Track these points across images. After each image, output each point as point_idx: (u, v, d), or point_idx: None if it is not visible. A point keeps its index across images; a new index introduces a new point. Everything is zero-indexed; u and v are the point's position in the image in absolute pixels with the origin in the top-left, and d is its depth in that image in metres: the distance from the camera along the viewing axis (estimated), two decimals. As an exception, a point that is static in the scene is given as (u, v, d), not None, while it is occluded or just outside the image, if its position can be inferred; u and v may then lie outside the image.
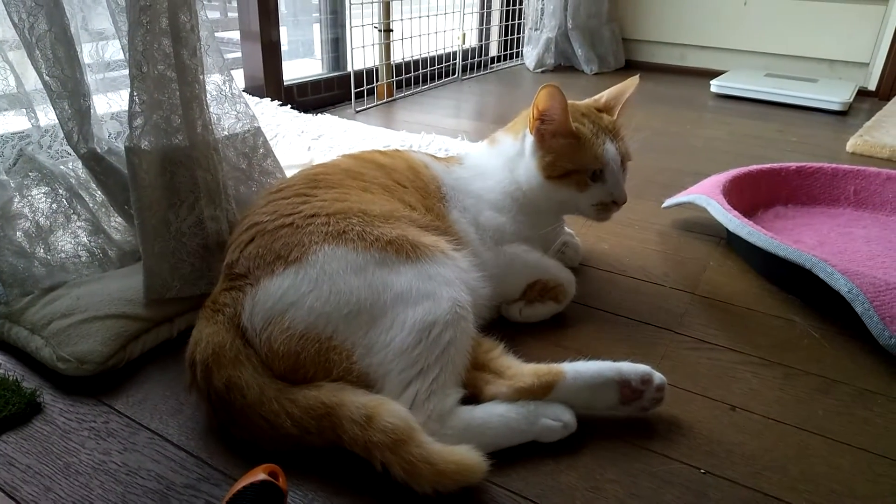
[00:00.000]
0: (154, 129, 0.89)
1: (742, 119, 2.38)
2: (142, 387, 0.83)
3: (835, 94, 2.51)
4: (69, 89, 0.91)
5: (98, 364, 0.82)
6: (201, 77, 0.93)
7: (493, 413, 0.72)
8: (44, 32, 0.87)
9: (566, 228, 1.15)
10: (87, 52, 1.00)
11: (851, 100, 2.51)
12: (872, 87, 2.83)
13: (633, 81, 1.02)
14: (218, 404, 0.70)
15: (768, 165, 1.44)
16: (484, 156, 1.05)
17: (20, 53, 0.94)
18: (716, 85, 2.71)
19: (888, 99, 2.66)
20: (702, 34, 3.15)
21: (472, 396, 0.75)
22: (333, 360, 0.71)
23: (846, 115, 2.46)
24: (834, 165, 1.45)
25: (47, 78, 0.89)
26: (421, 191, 0.93)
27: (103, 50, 1.04)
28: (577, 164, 0.95)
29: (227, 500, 0.59)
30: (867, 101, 2.72)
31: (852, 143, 1.98)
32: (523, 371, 0.76)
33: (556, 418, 0.73)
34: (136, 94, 0.87)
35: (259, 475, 0.60)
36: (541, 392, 0.74)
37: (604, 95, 1.04)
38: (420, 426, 0.66)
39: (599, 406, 0.77)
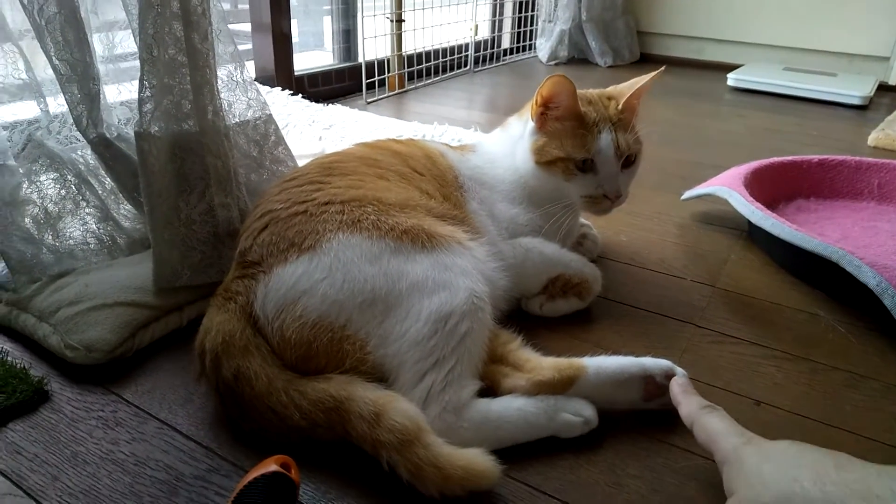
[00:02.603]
0: (164, 114, 0.88)
1: (760, 112, 2.34)
2: (150, 376, 0.81)
3: (854, 89, 2.46)
4: (78, 73, 0.89)
5: (106, 352, 0.80)
6: (212, 62, 0.91)
7: (511, 406, 0.70)
8: (53, 15, 0.85)
9: (583, 220, 1.12)
10: (98, 41, 0.99)
11: (872, 94, 2.46)
12: (893, 81, 2.77)
13: (654, 73, 0.97)
14: (226, 395, 0.68)
15: (790, 158, 1.41)
16: (496, 142, 1.03)
17: (29, 40, 0.93)
18: (733, 78, 2.67)
19: (909, 93, 2.62)
20: (718, 27, 3.10)
21: (490, 390, 0.73)
22: (346, 350, 0.69)
23: (866, 110, 2.41)
24: (857, 158, 1.41)
25: (56, 62, 0.88)
26: (438, 179, 0.91)
27: (114, 39, 1.02)
28: (564, 151, 0.91)
29: (237, 491, 0.57)
30: (887, 95, 2.67)
31: (874, 137, 1.94)
32: (543, 364, 0.74)
33: (576, 413, 0.70)
34: (146, 78, 0.85)
35: (271, 466, 0.59)
36: (561, 387, 0.72)
37: (620, 86, 1.00)
38: (429, 426, 0.63)
39: (621, 402, 0.74)
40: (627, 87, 0.97)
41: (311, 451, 0.67)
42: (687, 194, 1.34)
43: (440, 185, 0.90)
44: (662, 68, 0.98)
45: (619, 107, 0.93)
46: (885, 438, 0.74)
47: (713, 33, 3.13)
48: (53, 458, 0.68)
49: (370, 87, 2.25)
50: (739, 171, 1.29)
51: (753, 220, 1.12)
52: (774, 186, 1.35)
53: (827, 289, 1.05)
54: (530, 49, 3.28)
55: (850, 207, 1.37)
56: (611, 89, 0.99)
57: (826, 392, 0.82)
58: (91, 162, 1.02)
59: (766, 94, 2.59)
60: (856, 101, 2.42)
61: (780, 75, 2.67)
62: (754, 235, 1.23)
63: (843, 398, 0.81)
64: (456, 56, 2.78)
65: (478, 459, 0.62)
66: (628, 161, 0.94)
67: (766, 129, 2.12)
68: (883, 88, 2.73)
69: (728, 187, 1.22)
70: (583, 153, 0.91)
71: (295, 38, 2.15)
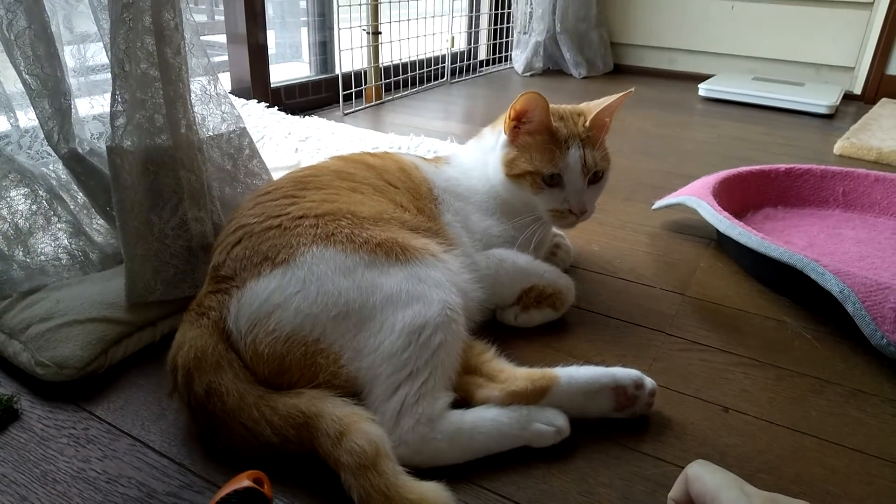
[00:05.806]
0: (137, 128, 0.88)
1: (730, 122, 2.39)
2: (123, 392, 0.81)
3: (821, 98, 2.52)
4: (49, 88, 0.88)
5: (78, 369, 0.80)
6: (185, 76, 0.91)
7: (485, 417, 0.70)
8: (23, 29, 0.85)
9: (556, 230, 1.14)
10: (70, 55, 0.98)
11: (838, 103, 2.53)
12: (858, 90, 2.85)
13: (623, 93, 0.97)
14: (198, 410, 0.68)
15: (758, 167, 1.44)
16: (470, 153, 1.04)
17: (-1, 54, 0.92)
18: (704, 88, 2.73)
19: (873, 102, 2.68)
20: (690, 38, 3.16)
21: (463, 401, 0.73)
22: (320, 363, 0.69)
23: (832, 119, 2.48)
24: (823, 167, 1.45)
25: (27, 76, 0.87)
26: (412, 192, 0.92)
27: (86, 52, 1.02)
28: (533, 165, 0.92)
29: (210, 508, 0.57)
30: (853, 104, 2.74)
31: (840, 146, 2.00)
32: (516, 375, 0.75)
33: (548, 423, 0.71)
34: (118, 92, 0.85)
35: (243, 482, 0.59)
36: (534, 397, 0.73)
37: (591, 102, 1.00)
38: (391, 452, 0.63)
39: (593, 411, 0.75)
40: (596, 104, 0.98)
41: (284, 465, 0.68)
42: (658, 204, 1.37)
43: (414, 197, 0.91)
44: (632, 89, 0.99)
45: (587, 124, 0.95)
46: (849, 443, 0.76)
47: (685, 44, 3.19)
48: (22, 477, 0.67)
49: (347, 98, 2.26)
50: (708, 181, 1.32)
51: (721, 229, 1.14)
52: (743, 195, 1.38)
53: (793, 296, 1.07)
54: (506, 60, 3.31)
55: (817, 215, 1.41)
56: (582, 106, 1.00)
57: (793, 398, 0.84)
58: (63, 177, 1.01)
59: (736, 104, 2.64)
60: (822, 111, 2.48)
61: (749, 85, 2.73)
62: (723, 244, 1.26)
63: (808, 404, 0.83)
64: (433, 68, 2.80)
65: (431, 494, 0.61)
66: (595, 177, 0.96)
67: (735, 138, 2.17)
68: (848, 98, 2.80)
69: (697, 197, 1.24)
70: (550, 168, 0.92)
71: (272, 50, 2.15)
